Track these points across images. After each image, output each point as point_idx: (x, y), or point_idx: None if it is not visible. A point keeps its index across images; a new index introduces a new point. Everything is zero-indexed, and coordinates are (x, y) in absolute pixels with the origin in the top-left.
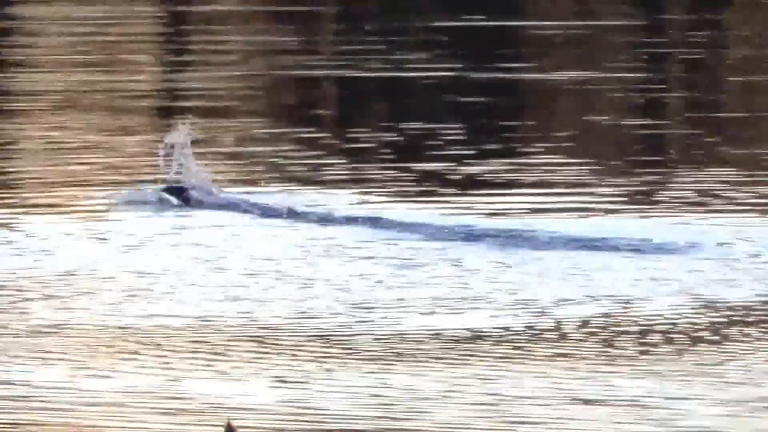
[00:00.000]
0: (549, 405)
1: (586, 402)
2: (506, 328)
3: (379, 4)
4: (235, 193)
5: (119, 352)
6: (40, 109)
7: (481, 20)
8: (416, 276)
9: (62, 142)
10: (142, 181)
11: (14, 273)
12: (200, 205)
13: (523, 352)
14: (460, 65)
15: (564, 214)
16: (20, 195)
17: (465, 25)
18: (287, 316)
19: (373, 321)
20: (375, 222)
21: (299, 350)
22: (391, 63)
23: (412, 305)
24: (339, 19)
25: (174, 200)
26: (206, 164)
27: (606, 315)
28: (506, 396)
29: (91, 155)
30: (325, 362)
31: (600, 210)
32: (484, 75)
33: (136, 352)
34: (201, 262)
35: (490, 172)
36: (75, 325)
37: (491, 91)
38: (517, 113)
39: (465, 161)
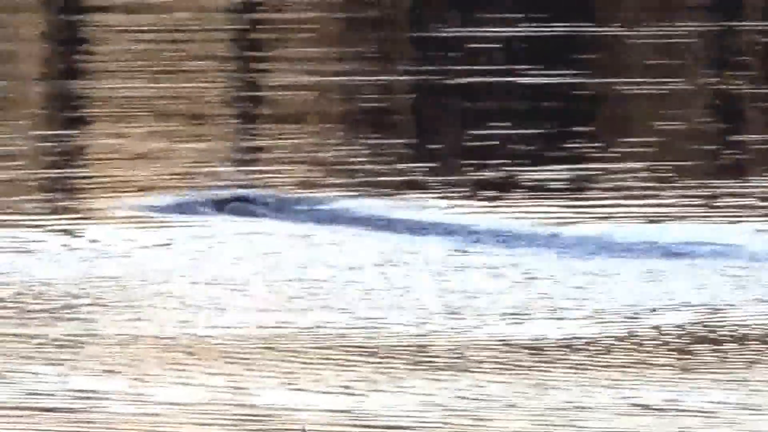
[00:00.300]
0: (618, 415)
1: (657, 411)
2: (578, 337)
3: (455, 9)
4: (310, 200)
5: (185, 362)
6: (106, 116)
7: (558, 26)
8: (487, 283)
9: (128, 149)
10: (208, 188)
11: (77, 280)
12: (272, 212)
13: (595, 361)
14: (534, 70)
15: (641, 221)
16: (84, 201)
17: (541, 30)
18: (359, 325)
19: (443, 329)
20: (447, 228)
21: (369, 358)
22: (466, 68)
23: (483, 313)
24: (415, 25)
25: (236, 210)
26: (280, 170)
27: (683, 323)
28: (576, 406)
29: (156, 162)
30: (395, 371)
31: (678, 216)
32: (558, 80)
33: (202, 362)
34: (271, 270)
35: (563, 178)
36: (139, 335)
37: (565, 97)
38: (592, 118)
39: (538, 167)
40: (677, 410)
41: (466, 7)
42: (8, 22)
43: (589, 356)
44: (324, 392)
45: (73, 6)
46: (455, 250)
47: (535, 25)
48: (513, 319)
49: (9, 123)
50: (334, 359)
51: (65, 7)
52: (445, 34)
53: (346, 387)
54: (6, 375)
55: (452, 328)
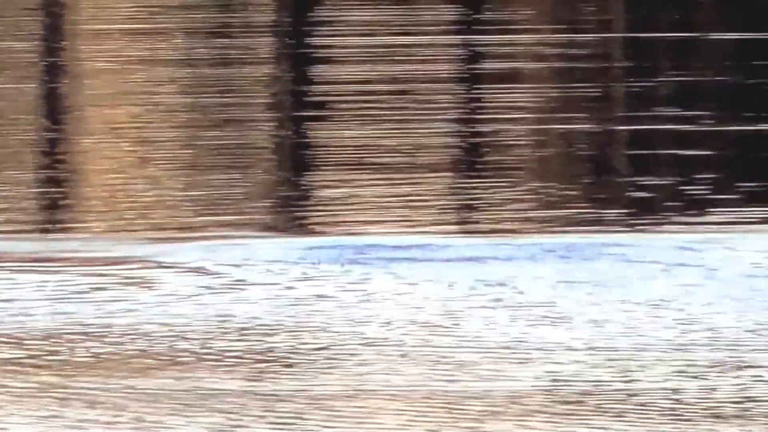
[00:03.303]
0: None
1: None
2: None
3: (672, 58)
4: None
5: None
6: (327, 164)
7: None
8: None
9: (346, 195)
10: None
11: (335, 324)
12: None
13: None
14: (749, 118)
15: None
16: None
17: (757, 78)
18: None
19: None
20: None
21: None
22: (679, 116)
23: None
24: (630, 73)
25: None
26: (497, 218)
27: None
28: None
29: (371, 208)
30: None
31: None
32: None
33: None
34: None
35: None
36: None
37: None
38: None
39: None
40: None
41: (679, 55)
42: (238, 72)
43: None
44: None
45: (304, 57)
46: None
47: (750, 73)
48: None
49: (233, 167)
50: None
51: (296, 59)
52: (657, 83)
53: None
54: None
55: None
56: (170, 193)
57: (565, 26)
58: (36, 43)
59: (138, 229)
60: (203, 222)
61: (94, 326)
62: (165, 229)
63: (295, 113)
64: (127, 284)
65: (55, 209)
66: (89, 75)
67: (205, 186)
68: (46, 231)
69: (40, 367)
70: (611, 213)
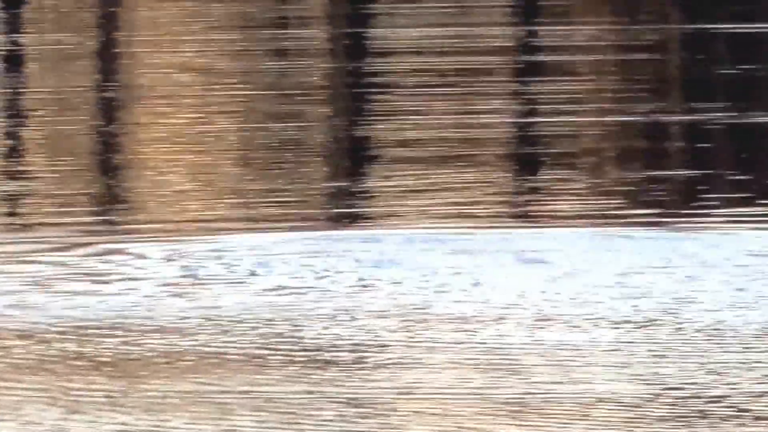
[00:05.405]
0: None
1: None
2: None
3: (730, 51)
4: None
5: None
6: (389, 156)
7: None
8: None
9: (411, 187)
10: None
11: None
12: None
13: None
14: None
15: None
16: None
17: None
18: None
19: None
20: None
21: None
22: (736, 109)
23: None
24: (686, 66)
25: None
26: (555, 209)
27: None
28: None
29: (427, 197)
30: None
31: None
32: None
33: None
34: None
35: None
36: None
37: None
38: None
39: None
40: None
41: (738, 47)
42: (295, 64)
43: None
44: None
45: (360, 50)
46: None
47: None
48: None
49: (288, 161)
50: None
51: (351, 52)
52: (718, 73)
53: None
54: None
55: None
56: (223, 186)
57: (622, 17)
58: (91, 35)
59: (188, 227)
60: (255, 216)
61: (131, 318)
62: (216, 225)
63: (349, 105)
64: (166, 282)
65: (108, 203)
66: (143, 67)
67: (257, 180)
68: (96, 223)
69: (42, 364)
70: (670, 205)
